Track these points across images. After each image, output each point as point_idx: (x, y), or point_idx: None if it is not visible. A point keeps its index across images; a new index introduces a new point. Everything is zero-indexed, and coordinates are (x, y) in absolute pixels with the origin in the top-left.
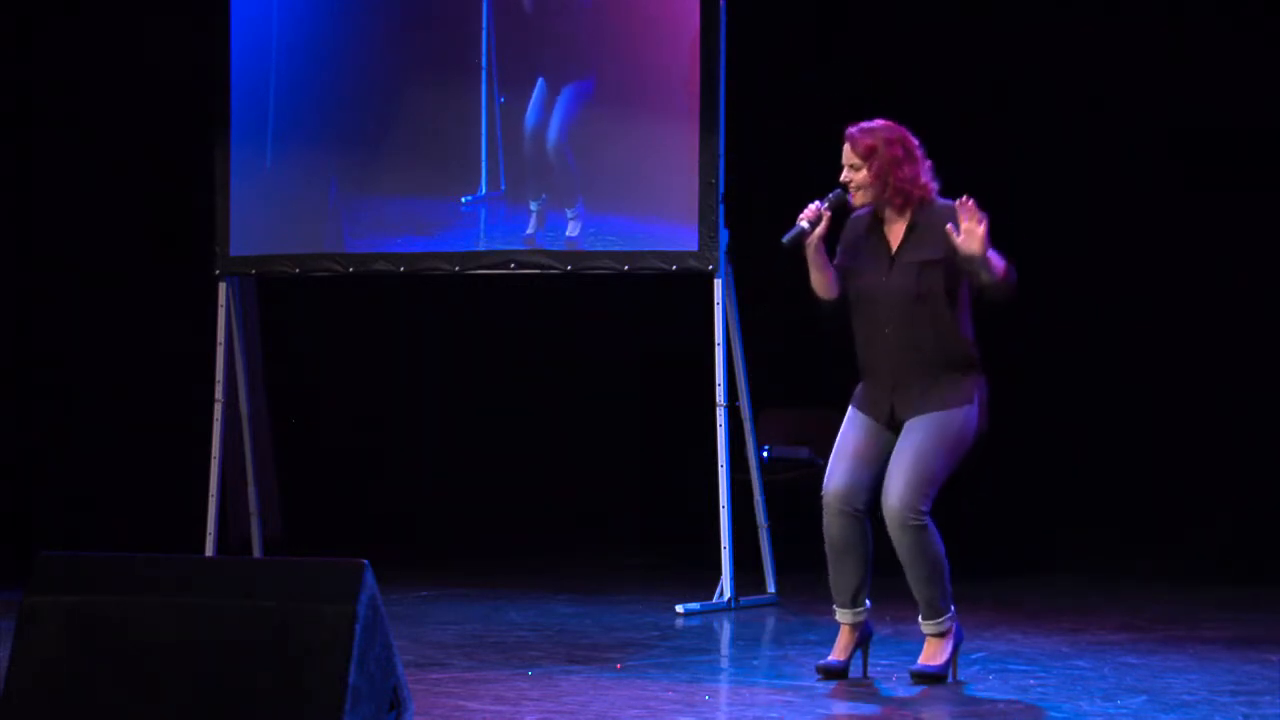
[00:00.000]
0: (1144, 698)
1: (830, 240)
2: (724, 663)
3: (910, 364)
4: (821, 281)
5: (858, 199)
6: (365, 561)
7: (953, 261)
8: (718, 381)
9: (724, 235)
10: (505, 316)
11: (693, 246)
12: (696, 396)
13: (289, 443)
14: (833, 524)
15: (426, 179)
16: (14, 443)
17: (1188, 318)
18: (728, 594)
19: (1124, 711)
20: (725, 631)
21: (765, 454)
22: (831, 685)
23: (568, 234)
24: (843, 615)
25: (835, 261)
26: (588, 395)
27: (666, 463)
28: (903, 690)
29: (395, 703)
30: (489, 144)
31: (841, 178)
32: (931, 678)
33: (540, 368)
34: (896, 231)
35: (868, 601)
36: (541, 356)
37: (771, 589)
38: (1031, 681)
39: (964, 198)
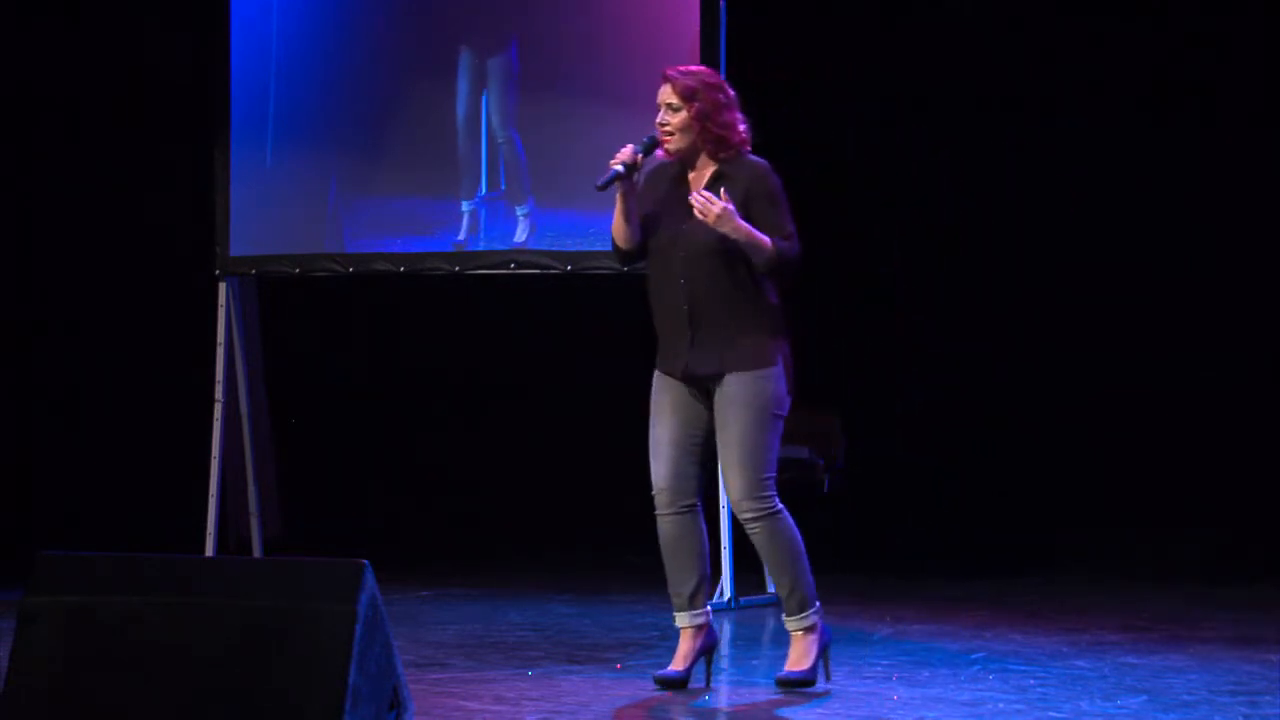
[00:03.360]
0: (1144, 698)
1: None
2: (724, 663)
3: (707, 317)
4: (623, 229)
5: (672, 144)
6: (365, 561)
7: (749, 218)
8: None
9: None
10: (505, 316)
11: None
12: None
13: (289, 443)
14: (664, 523)
15: (426, 179)
16: (14, 442)
17: (1188, 318)
18: (728, 594)
19: (1124, 711)
20: (725, 631)
21: None
22: (829, 686)
23: (516, 238)
24: (681, 619)
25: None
26: (587, 395)
27: None
28: (903, 690)
29: (395, 703)
30: (489, 144)
31: (658, 119)
32: (798, 684)
33: (540, 367)
34: (701, 180)
35: (709, 605)
36: (541, 356)
37: (771, 589)
38: (1031, 681)
39: (696, 192)
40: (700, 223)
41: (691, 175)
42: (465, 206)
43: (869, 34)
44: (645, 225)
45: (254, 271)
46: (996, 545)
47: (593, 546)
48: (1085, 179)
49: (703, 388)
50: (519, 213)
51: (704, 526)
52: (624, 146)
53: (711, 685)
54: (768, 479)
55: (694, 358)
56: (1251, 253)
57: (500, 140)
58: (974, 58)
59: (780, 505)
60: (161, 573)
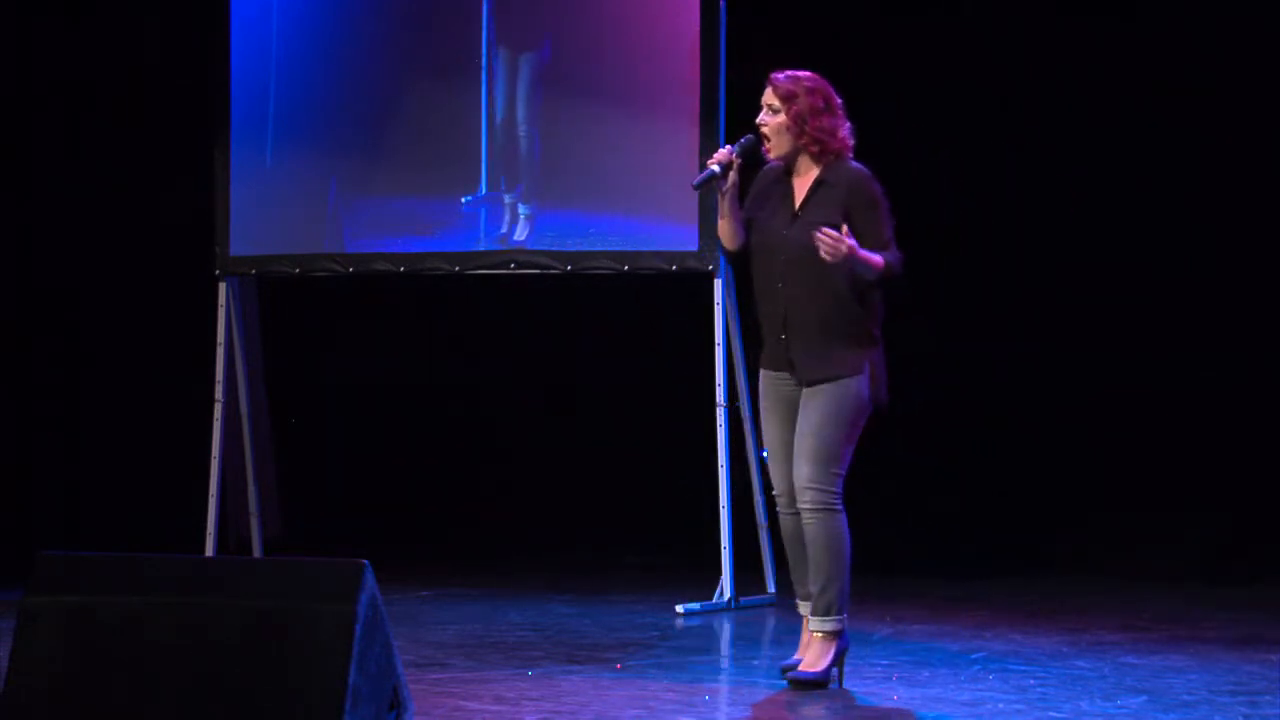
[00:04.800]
0: (1144, 698)
1: (740, 193)
2: (724, 663)
3: (803, 322)
4: (728, 230)
5: (772, 146)
6: (365, 561)
7: (850, 226)
8: (718, 381)
9: None
10: (505, 316)
11: (693, 246)
12: (696, 396)
13: (289, 443)
14: (787, 520)
15: (426, 179)
16: (14, 443)
17: (1188, 318)
18: (728, 594)
19: (1124, 711)
20: (725, 631)
21: (765, 454)
22: (829, 685)
23: (516, 236)
24: (804, 608)
25: (743, 211)
26: (587, 395)
27: (666, 463)
28: (903, 690)
29: (395, 703)
30: (489, 144)
31: (758, 120)
32: (811, 684)
33: (540, 367)
34: (804, 185)
35: None
36: (541, 356)
37: (771, 589)
38: (1031, 681)
39: (822, 230)
40: (802, 229)
41: (795, 180)
42: (466, 206)
43: (869, 34)
44: (749, 225)
45: (254, 271)
46: (996, 545)
47: (593, 546)
48: (1085, 179)
49: (798, 381)
50: (522, 212)
51: None
52: (721, 149)
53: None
54: (836, 474)
55: (795, 359)
56: (1251, 252)
57: (521, 134)
58: (974, 57)
59: (842, 506)
60: (161, 573)
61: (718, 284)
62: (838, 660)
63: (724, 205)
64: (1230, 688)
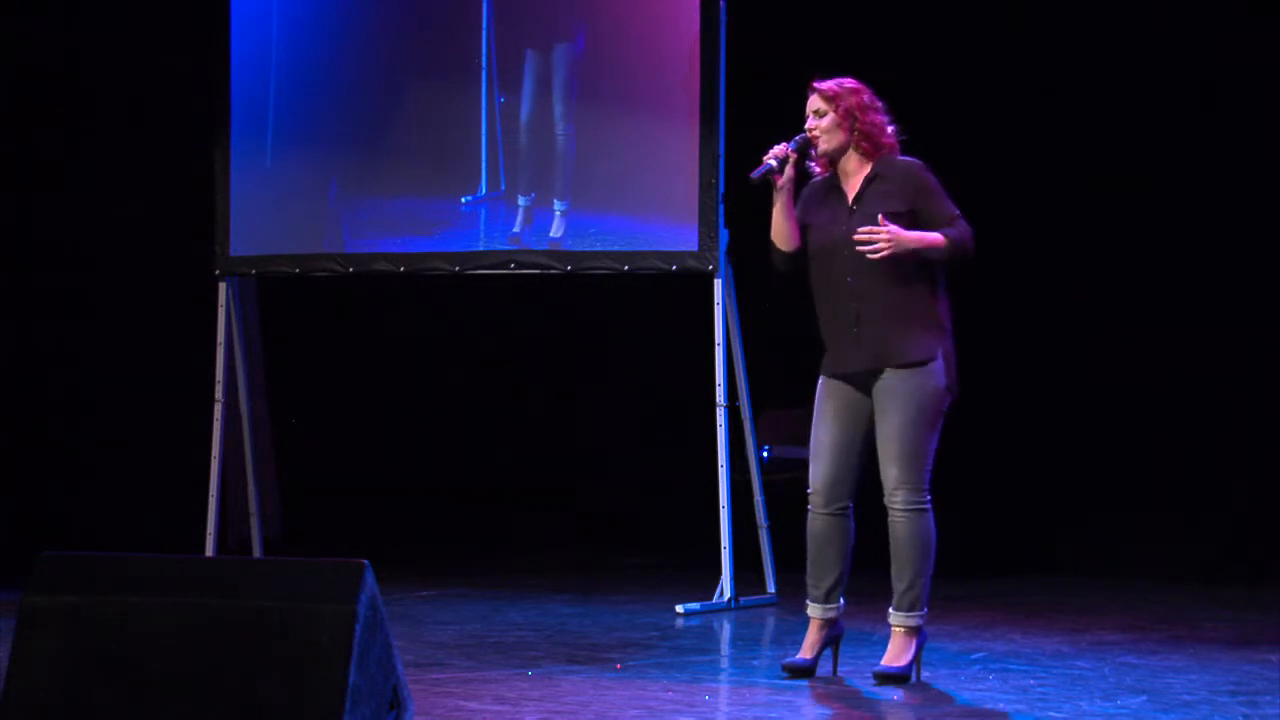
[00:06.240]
0: (1144, 698)
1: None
2: (724, 663)
3: (876, 312)
4: (784, 229)
5: (822, 144)
6: (365, 561)
7: (916, 214)
8: (718, 381)
9: (724, 235)
10: (505, 316)
11: (693, 246)
12: (696, 397)
13: (289, 443)
14: (816, 521)
15: (426, 179)
16: (15, 443)
17: (1188, 317)
18: (728, 594)
19: (1124, 711)
20: (725, 631)
21: (765, 454)
22: (829, 685)
23: (551, 234)
24: (814, 610)
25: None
26: (588, 395)
27: (666, 463)
28: (903, 689)
29: (395, 703)
30: (489, 144)
31: (807, 126)
32: (895, 678)
33: (540, 367)
34: (855, 184)
35: (841, 600)
36: (541, 356)
37: (771, 589)
38: (1031, 681)
39: (860, 231)
40: (861, 220)
41: (846, 182)
42: (466, 206)
43: (869, 34)
44: (804, 230)
45: (254, 271)
46: (996, 545)
47: (593, 546)
48: (1085, 177)
49: (865, 385)
50: (557, 209)
51: (853, 527)
52: (775, 146)
53: (838, 673)
54: (924, 474)
55: (858, 354)
56: (1252, 255)
57: (521, 134)
58: (973, 57)
59: (930, 505)
60: (161, 573)
61: (718, 284)
62: (918, 655)
63: (780, 202)
64: (1230, 688)
